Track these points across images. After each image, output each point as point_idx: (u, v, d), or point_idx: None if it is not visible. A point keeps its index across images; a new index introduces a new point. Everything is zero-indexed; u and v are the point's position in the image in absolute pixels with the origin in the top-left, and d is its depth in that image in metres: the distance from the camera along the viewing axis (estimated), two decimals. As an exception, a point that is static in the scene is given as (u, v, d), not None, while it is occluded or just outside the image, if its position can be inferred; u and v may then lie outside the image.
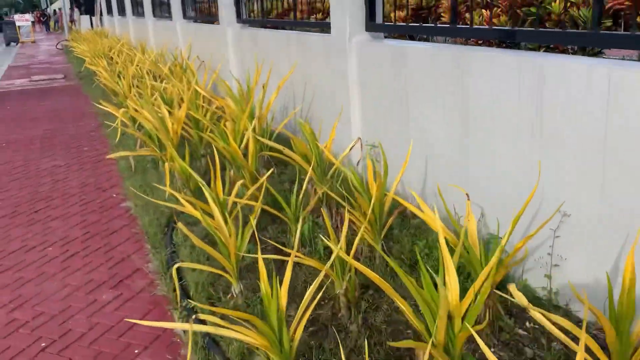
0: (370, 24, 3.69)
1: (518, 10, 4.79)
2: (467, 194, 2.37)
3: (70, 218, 3.94)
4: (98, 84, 9.60)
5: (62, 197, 4.40)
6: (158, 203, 3.31)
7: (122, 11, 16.45)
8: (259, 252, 2.15)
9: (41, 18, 40.59)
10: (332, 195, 2.97)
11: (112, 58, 10.88)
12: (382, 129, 3.61)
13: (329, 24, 4.02)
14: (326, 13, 5.05)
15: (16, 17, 28.79)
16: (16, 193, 4.56)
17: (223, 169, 4.51)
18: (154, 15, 11.81)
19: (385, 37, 3.82)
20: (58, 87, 10.77)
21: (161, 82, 6.72)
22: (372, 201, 2.64)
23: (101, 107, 5.59)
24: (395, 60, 3.28)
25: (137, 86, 6.76)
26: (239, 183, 3.16)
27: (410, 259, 2.81)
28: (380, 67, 3.48)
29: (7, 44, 25.12)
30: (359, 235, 2.45)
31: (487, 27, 2.85)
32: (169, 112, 4.53)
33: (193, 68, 6.57)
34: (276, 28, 6.04)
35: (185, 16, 9.13)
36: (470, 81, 2.67)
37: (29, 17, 28.74)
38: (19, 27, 26.03)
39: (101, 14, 20.77)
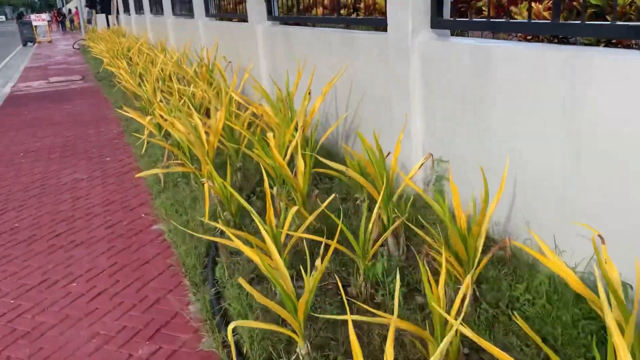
0: (437, 20, 3.18)
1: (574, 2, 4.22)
2: (600, 236, 1.86)
3: (96, 244, 3.50)
4: (118, 86, 9.22)
5: (85, 217, 3.96)
6: (196, 233, 2.85)
7: (139, 9, 16.08)
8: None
9: (58, 17, 40.53)
10: (412, 226, 2.48)
11: (131, 58, 10.50)
12: (449, 144, 3.11)
13: (384, 20, 3.52)
14: (372, 9, 4.54)
15: (33, 16, 28.62)
16: (35, 213, 4.14)
17: (259, 184, 4.08)
18: (174, 13, 11.39)
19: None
20: (77, 89, 10.40)
21: (187, 85, 6.27)
22: (468, 239, 2.15)
23: (124, 112, 5.15)
24: (476, 63, 2.77)
25: (162, 90, 6.33)
26: (292, 210, 2.69)
27: (508, 305, 2.32)
28: (451, 71, 2.97)
29: (24, 44, 24.94)
30: (443, 276, 1.96)
31: (578, 22, 2.34)
32: (202, 121, 4.07)
33: (222, 70, 6.11)
34: (312, 26, 5.56)
35: (208, 14, 8.68)
36: (586, 90, 2.16)
37: (45, 16, 28.53)
38: (35, 26, 25.84)
39: (118, 13, 20.46)
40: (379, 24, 3.87)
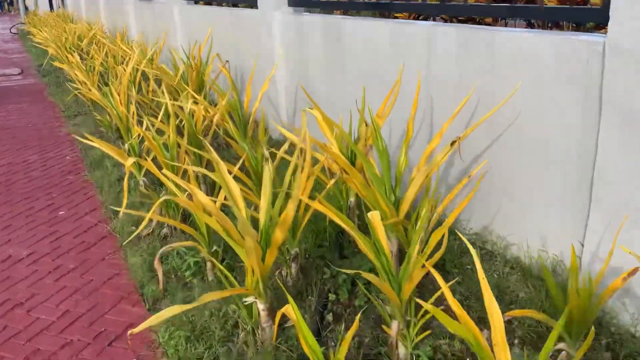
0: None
1: None
2: None
3: None
4: (68, 85, 7.24)
5: None
6: None
7: (90, -10, 13.83)
8: None
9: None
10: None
11: (83, 50, 8.47)
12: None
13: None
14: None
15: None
16: None
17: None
18: (136, -5, 9.37)
19: None
20: (14, 89, 8.27)
21: (173, 97, 4.47)
22: None
23: (87, 141, 3.34)
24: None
25: (138, 102, 4.51)
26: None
27: None
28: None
29: (-48, 27, 21.87)
30: None
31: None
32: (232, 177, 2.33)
33: (230, 76, 4.35)
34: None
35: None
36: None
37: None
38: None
39: (63, -6, 17.97)
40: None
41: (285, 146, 2.86)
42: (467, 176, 2.35)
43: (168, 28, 7.18)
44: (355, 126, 3.01)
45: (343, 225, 1.95)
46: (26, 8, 22.95)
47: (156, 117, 3.67)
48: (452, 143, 2.10)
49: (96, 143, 3.22)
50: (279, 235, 1.92)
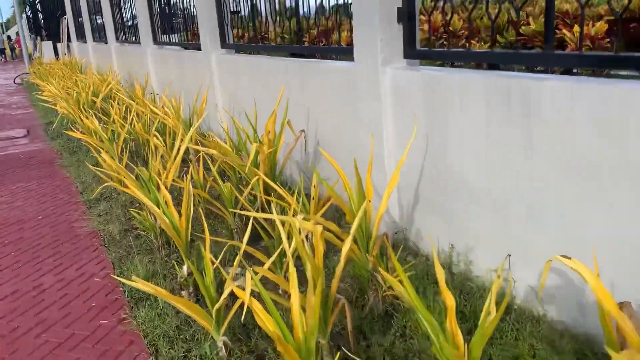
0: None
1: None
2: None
3: None
4: (83, 153, 6.02)
5: None
6: None
7: (98, 36, 12.82)
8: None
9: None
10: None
11: (102, 111, 7.27)
12: None
13: None
14: None
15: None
16: None
17: None
18: (155, 41, 8.24)
19: None
20: (20, 156, 7.02)
21: (237, 187, 3.19)
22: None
23: (137, 285, 2.03)
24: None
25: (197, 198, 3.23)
26: None
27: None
28: None
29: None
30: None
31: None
32: None
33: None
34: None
35: (224, 45, 5.60)
36: None
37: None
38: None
39: (69, 40, 16.99)
40: None
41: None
42: None
43: (203, 81, 5.96)
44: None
45: None
46: (30, 56, 22.06)
47: (234, 234, 2.37)
48: None
49: (162, 296, 1.92)
50: None
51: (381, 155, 3.18)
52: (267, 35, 5.26)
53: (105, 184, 3.94)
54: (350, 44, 3.31)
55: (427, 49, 3.06)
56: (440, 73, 2.74)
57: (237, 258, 2.32)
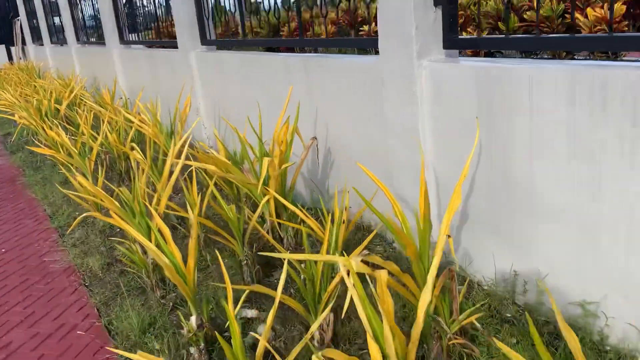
0: None
1: None
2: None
3: None
4: (48, 167, 5.35)
5: None
6: None
7: (57, 38, 11.94)
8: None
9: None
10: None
11: (67, 120, 6.57)
12: None
13: None
14: None
15: None
16: None
17: None
18: (122, 41, 7.54)
19: None
20: (-25, 175, 6.25)
21: (250, 206, 2.64)
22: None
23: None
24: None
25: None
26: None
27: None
28: None
29: None
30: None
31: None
32: None
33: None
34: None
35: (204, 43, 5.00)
36: None
37: None
38: None
39: (24, 43, 15.93)
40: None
41: None
42: None
43: (181, 83, 5.34)
44: None
45: None
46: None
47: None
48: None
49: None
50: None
51: (416, 166, 2.67)
52: (259, 31, 4.68)
53: (85, 214, 3.29)
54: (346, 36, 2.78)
55: (474, 36, 2.56)
56: (499, 65, 2.24)
57: (271, 316, 1.78)
